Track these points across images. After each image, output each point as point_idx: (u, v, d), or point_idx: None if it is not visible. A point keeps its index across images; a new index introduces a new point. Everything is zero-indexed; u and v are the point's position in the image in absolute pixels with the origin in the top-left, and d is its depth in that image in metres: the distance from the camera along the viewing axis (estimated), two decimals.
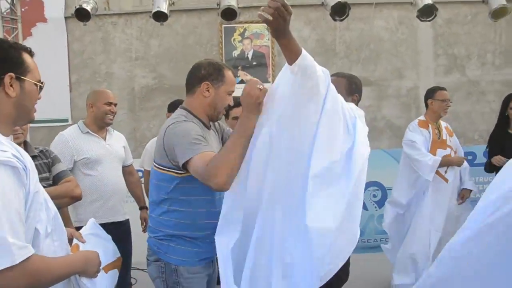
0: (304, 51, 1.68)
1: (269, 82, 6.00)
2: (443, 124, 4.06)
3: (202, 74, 2.11)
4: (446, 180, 3.87)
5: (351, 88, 2.38)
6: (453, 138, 4.10)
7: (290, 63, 1.69)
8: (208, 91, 2.10)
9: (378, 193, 4.51)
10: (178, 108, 2.19)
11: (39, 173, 1.97)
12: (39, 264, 1.30)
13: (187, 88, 2.18)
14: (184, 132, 1.96)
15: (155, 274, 2.15)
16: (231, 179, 1.81)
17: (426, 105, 4.06)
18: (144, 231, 3.79)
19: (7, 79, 1.38)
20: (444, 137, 3.96)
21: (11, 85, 1.39)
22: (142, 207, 3.76)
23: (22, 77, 1.42)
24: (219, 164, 1.80)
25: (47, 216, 1.43)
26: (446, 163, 3.83)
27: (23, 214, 1.29)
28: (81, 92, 6.01)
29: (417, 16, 4.92)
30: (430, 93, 4.03)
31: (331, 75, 1.84)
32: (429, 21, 4.99)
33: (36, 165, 1.50)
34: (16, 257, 1.22)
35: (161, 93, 6.05)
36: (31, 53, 1.50)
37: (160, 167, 2.08)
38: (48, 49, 5.94)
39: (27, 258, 1.25)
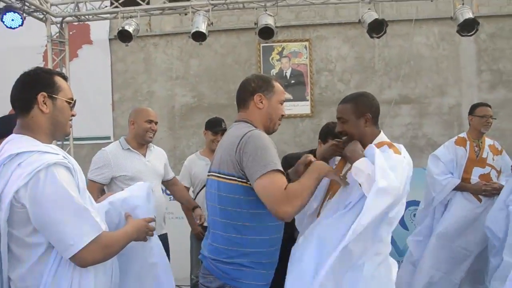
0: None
1: (307, 100, 6.02)
2: (488, 141, 3.89)
3: (253, 87, 2.14)
4: (479, 200, 3.72)
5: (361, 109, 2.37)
6: (500, 157, 3.90)
7: None
8: (262, 102, 2.12)
9: None
10: (238, 122, 2.12)
11: None
12: (109, 237, 1.62)
13: (239, 104, 2.17)
14: (266, 144, 1.91)
15: None
16: (298, 212, 1.86)
17: (469, 122, 3.95)
18: (202, 224, 3.70)
19: (40, 97, 1.62)
20: (484, 155, 3.81)
21: (45, 103, 1.63)
22: (195, 207, 3.75)
23: (54, 96, 1.66)
24: (297, 194, 1.82)
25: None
26: (462, 188, 3.71)
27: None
28: (123, 110, 6.20)
29: (458, 31, 4.82)
30: (471, 110, 3.91)
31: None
32: (470, 36, 4.87)
33: None
34: (101, 226, 1.57)
35: (200, 111, 6.15)
36: (64, 77, 1.74)
37: (228, 177, 1.96)
38: (93, 70, 6.19)
39: (100, 234, 1.56)
